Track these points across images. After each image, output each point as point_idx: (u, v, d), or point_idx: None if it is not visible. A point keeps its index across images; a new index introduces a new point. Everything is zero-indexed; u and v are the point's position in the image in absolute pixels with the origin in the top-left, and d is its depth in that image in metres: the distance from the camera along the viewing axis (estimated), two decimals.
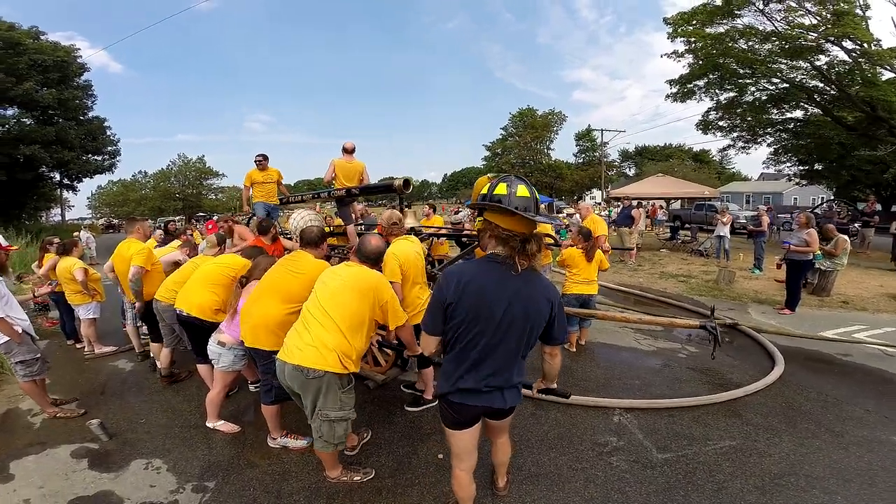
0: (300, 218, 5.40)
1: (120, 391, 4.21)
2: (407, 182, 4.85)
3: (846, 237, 8.05)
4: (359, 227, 6.72)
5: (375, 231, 6.64)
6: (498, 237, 1.82)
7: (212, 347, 3.18)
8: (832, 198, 21.56)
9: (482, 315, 1.80)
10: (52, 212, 32.87)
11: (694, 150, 51.21)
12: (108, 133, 27.58)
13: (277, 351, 2.61)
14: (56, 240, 5.83)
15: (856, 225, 15.39)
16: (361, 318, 2.43)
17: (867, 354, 5.03)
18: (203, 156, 51.84)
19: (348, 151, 5.92)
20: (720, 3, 14.74)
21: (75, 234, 16.14)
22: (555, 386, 2.27)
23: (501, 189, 1.80)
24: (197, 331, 3.49)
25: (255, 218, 6.55)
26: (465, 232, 6.85)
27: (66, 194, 30.55)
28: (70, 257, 5.06)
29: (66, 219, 34.80)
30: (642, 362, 4.84)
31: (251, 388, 4.01)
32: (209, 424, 3.35)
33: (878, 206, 16.93)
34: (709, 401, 3.77)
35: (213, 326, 3.33)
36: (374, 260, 2.64)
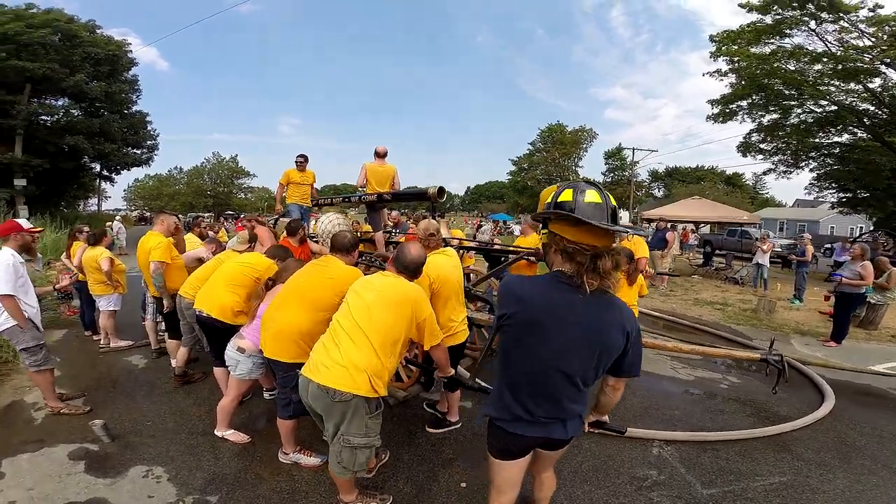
0: (328, 222, 5.25)
1: (130, 389, 4.08)
2: (441, 190, 4.64)
3: None
4: (392, 234, 6.54)
5: (403, 239, 6.53)
6: (564, 251, 1.55)
7: (230, 353, 2.99)
8: (871, 228, 20.43)
9: (540, 339, 1.55)
10: (90, 201, 34.08)
11: (726, 173, 49.83)
12: (149, 128, 28.51)
13: (298, 363, 2.42)
14: (86, 229, 5.84)
15: (883, 259, 14.44)
16: (397, 336, 2.21)
17: None
18: (236, 155, 53.07)
19: (380, 155, 5.75)
20: (770, 22, 14.18)
21: (108, 223, 16.57)
22: (607, 419, 2.00)
23: (567, 195, 1.56)
24: (216, 332, 3.31)
25: (281, 219, 6.44)
26: (495, 246, 6.61)
27: (104, 185, 31.67)
28: (98, 247, 5.04)
29: (102, 209, 36.01)
30: (681, 392, 4.51)
31: (266, 395, 3.82)
32: (218, 433, 3.16)
33: None
34: (756, 434, 3.53)
35: (234, 329, 3.16)
36: (412, 271, 2.42)
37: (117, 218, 18.90)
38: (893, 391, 4.71)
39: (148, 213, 44.69)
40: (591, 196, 1.54)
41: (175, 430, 3.32)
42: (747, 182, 52.15)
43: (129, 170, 29.08)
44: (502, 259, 5.92)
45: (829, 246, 20.94)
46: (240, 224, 8.30)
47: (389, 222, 7.89)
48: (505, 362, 1.68)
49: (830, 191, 20.05)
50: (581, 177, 43.84)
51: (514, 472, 1.80)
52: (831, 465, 3.17)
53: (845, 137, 17.15)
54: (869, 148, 16.16)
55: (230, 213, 41.10)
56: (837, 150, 17.72)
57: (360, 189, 5.86)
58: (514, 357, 1.63)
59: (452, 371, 2.78)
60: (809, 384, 4.74)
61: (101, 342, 5.20)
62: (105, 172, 28.87)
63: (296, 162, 6.52)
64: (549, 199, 1.64)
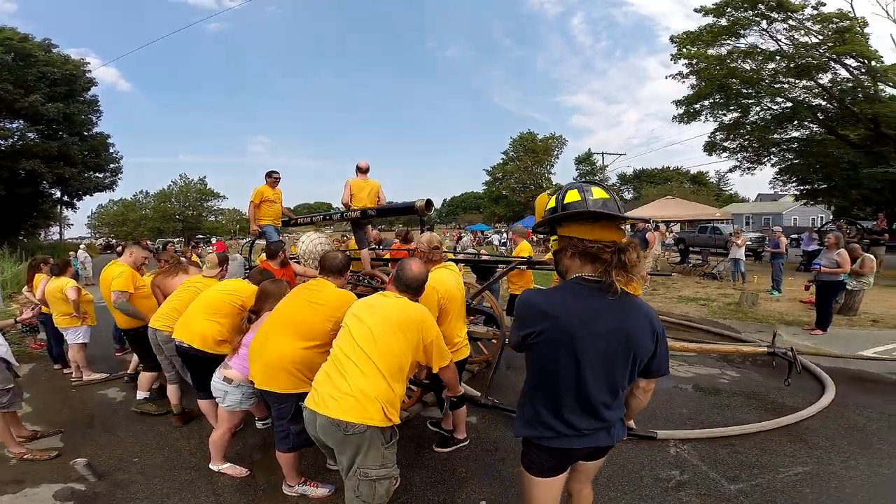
0: (310, 241, 5.08)
1: (109, 424, 3.78)
2: (429, 203, 4.53)
3: (872, 256, 7.86)
4: (376, 251, 6.36)
5: (388, 254, 6.39)
6: (584, 253, 1.50)
7: (216, 384, 2.79)
8: (831, 218, 21.38)
9: (575, 352, 1.47)
10: (51, 230, 32.56)
11: (691, 172, 51.68)
12: (111, 150, 27.52)
13: (293, 394, 2.30)
14: (51, 259, 5.50)
15: (854, 246, 15.13)
16: (404, 361, 2.06)
17: None
18: (204, 177, 51.92)
19: (363, 171, 5.62)
20: (725, 24, 14.84)
21: (71, 253, 15.76)
22: (633, 424, 1.91)
23: (574, 196, 1.52)
24: (198, 363, 3.10)
25: (258, 241, 6.13)
26: (483, 257, 6.57)
27: (65, 212, 30.33)
28: (63, 277, 4.76)
29: (65, 237, 34.45)
30: (685, 389, 4.50)
31: (259, 424, 3.59)
32: (213, 467, 2.92)
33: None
34: (769, 426, 3.52)
35: (216, 358, 2.96)
36: (415, 289, 2.28)
37: (82, 246, 17.96)
38: (889, 375, 4.78)
39: (114, 241, 42.96)
40: (598, 193, 1.52)
41: (165, 465, 3.06)
42: (711, 180, 54.27)
43: (91, 195, 28.06)
44: (493, 269, 5.88)
45: (795, 236, 21.89)
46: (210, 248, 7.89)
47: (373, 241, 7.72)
48: (538, 380, 1.59)
49: (793, 184, 20.93)
50: (554, 183, 44.56)
51: (554, 489, 1.69)
52: (850, 452, 3.16)
53: (802, 132, 18.00)
54: (825, 141, 16.99)
55: (200, 236, 40.04)
56: (796, 145, 18.56)
57: (343, 205, 5.71)
58: (548, 374, 1.54)
59: (462, 390, 2.65)
60: (806, 373, 4.75)
61: (73, 376, 4.84)
62: (66, 198, 27.65)
63: (272, 178, 6.14)
64: (552, 204, 1.59)
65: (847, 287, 7.48)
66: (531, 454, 1.67)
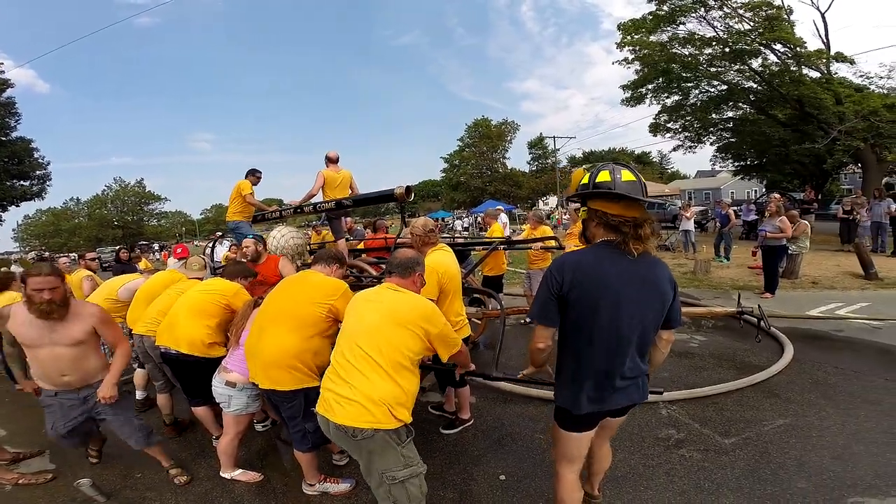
0: (281, 236, 4.96)
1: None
2: (409, 189, 4.52)
3: (807, 222, 8.57)
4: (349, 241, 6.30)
5: (362, 245, 6.35)
6: (607, 225, 1.74)
7: (219, 390, 2.70)
8: (764, 191, 23.20)
9: (611, 303, 1.67)
10: None
11: (636, 152, 54.10)
12: (36, 156, 25.26)
13: (301, 389, 2.31)
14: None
15: (793, 213, 16.64)
16: (409, 354, 1.97)
17: (857, 329, 5.26)
18: (142, 179, 48.72)
19: (333, 161, 5.54)
20: (666, 10, 15.62)
21: (3, 269, 14.43)
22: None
23: (605, 176, 1.73)
24: (188, 368, 2.98)
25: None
26: (458, 240, 6.69)
27: None
28: (9, 292, 4.38)
29: None
30: None
31: (258, 427, 3.51)
32: (225, 475, 2.84)
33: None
34: (746, 384, 3.79)
35: (207, 362, 2.88)
36: (403, 266, 2.19)
37: (13, 262, 16.43)
38: (835, 333, 5.16)
39: (46, 253, 39.41)
40: (627, 175, 1.72)
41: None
42: (654, 159, 57.13)
43: (18, 205, 25.62)
44: (467, 252, 5.99)
45: (735, 208, 23.59)
46: (179, 248, 7.49)
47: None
48: (575, 339, 1.75)
49: (730, 160, 22.48)
50: (510, 168, 45.26)
51: (587, 440, 1.91)
52: (820, 404, 3.42)
53: (737, 113, 19.33)
54: (757, 121, 18.34)
55: (143, 242, 37.70)
56: (731, 125, 19.93)
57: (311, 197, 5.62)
58: (584, 330, 1.71)
59: (474, 366, 2.72)
60: (765, 333, 5.11)
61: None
62: None
63: (256, 175, 5.98)
64: (585, 180, 1.79)
65: (788, 252, 8.18)
66: (567, 414, 1.85)
